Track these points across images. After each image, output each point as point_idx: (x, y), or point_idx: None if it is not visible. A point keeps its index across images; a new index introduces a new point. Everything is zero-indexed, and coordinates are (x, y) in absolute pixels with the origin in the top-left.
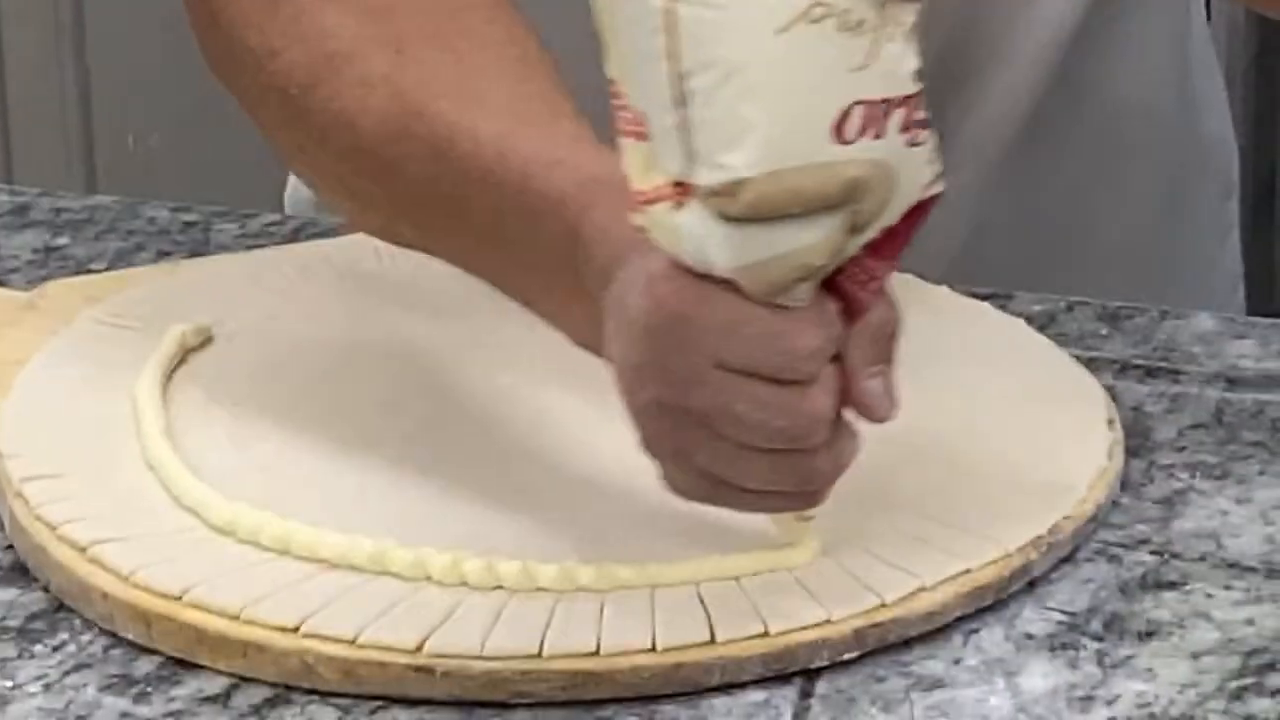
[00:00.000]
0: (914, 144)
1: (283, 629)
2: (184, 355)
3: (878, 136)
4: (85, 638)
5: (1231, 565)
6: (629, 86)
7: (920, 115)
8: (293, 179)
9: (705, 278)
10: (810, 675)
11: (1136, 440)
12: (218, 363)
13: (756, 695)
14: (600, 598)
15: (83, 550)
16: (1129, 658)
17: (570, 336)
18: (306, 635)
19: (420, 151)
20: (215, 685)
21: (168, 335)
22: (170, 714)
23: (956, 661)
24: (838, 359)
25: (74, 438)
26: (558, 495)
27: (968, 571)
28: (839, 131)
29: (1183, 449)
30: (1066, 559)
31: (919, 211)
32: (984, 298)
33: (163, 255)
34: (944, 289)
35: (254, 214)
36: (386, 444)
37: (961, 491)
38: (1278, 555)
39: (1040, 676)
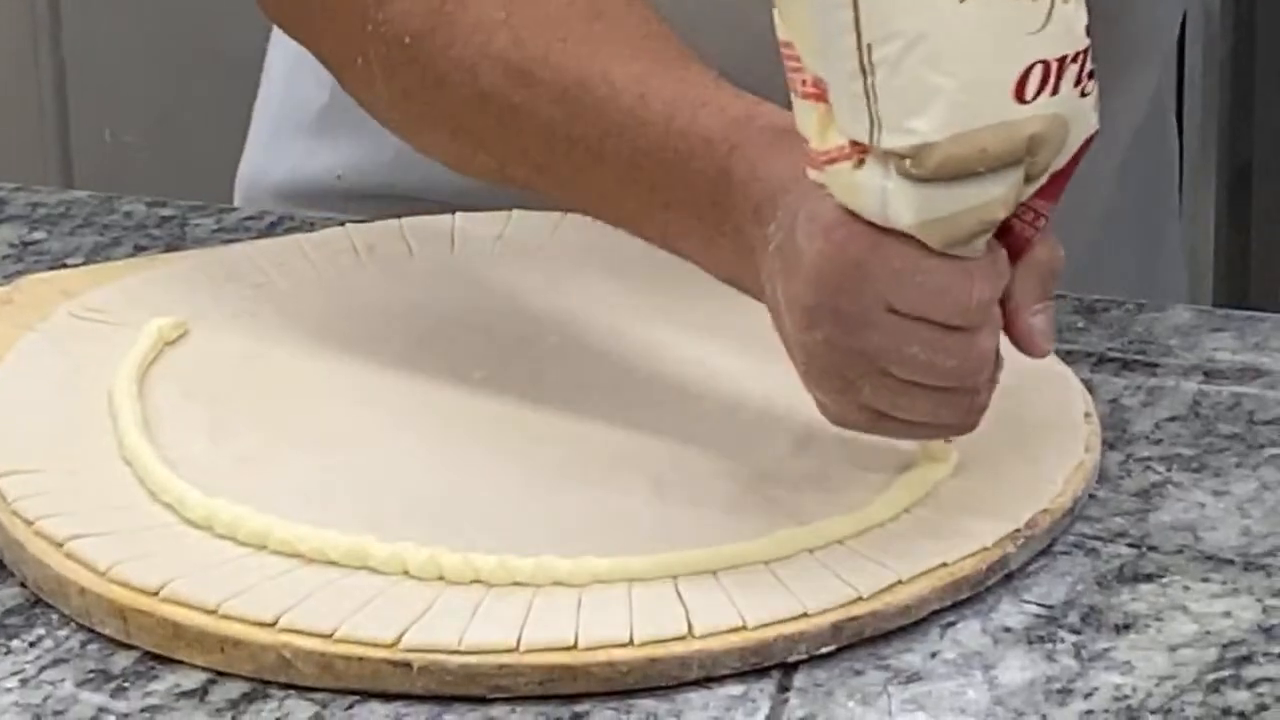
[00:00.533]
0: (1084, 94)
1: (260, 623)
2: (160, 350)
3: (1054, 93)
4: (62, 633)
5: (1208, 558)
6: (806, 51)
7: (1090, 67)
8: (242, 173)
9: (880, 226)
10: (788, 669)
11: (1113, 433)
12: (194, 357)
13: (734, 689)
14: (578, 592)
15: (59, 545)
16: (1106, 650)
17: (714, 272)
18: (284, 630)
19: (548, 96)
20: (193, 680)
21: (144, 330)
22: (147, 709)
23: (934, 655)
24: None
25: (50, 433)
26: (536, 489)
27: (945, 565)
28: (1020, 92)
29: (1159, 442)
30: (1044, 552)
31: (1082, 150)
32: None
33: (139, 250)
34: None
35: (230, 209)
36: (364, 438)
37: (939, 485)
38: (1254, 547)
39: (1017, 669)
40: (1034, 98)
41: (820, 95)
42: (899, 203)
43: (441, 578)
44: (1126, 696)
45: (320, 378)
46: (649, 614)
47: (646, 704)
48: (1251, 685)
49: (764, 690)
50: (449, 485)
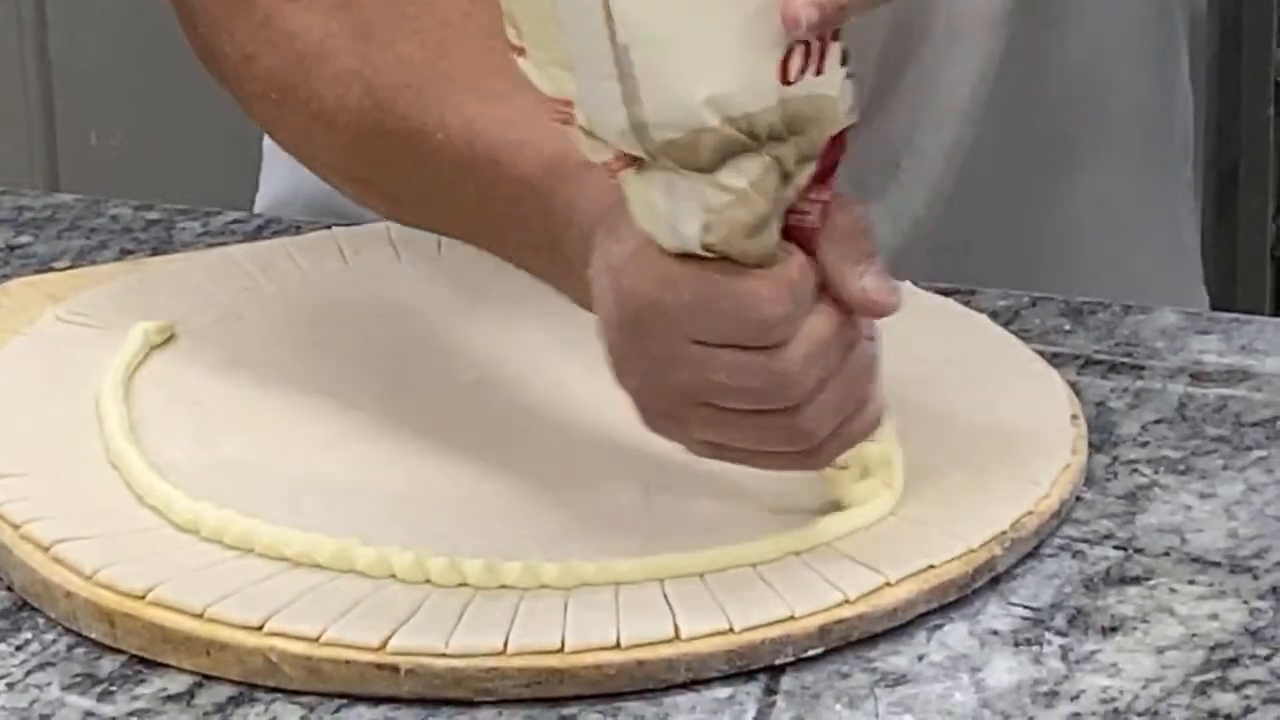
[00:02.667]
0: (849, 75)
1: (246, 627)
2: (147, 353)
3: (819, 72)
4: (49, 637)
5: (1195, 560)
6: (546, 65)
7: (848, 46)
8: (263, 183)
9: (669, 259)
10: (774, 671)
11: (1100, 436)
12: (181, 361)
13: (721, 692)
14: (565, 595)
15: (46, 549)
16: (1093, 653)
17: (581, 305)
18: (270, 633)
19: (397, 146)
20: (179, 684)
21: (131, 334)
22: (134, 713)
23: (921, 657)
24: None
25: (37, 436)
26: (523, 492)
27: (931, 567)
28: (784, 73)
29: (1146, 444)
30: (1030, 554)
31: (844, 136)
32: (947, 293)
33: (125, 253)
34: (907, 284)
35: (217, 212)
36: (350, 441)
37: (925, 487)
38: (1241, 550)
39: (1004, 672)
40: (798, 78)
41: (569, 117)
42: (684, 204)
43: (428, 581)
44: (1113, 699)
45: (307, 381)
46: (636, 617)
47: (633, 707)
48: (1238, 688)
49: (751, 693)
50: (437, 489)
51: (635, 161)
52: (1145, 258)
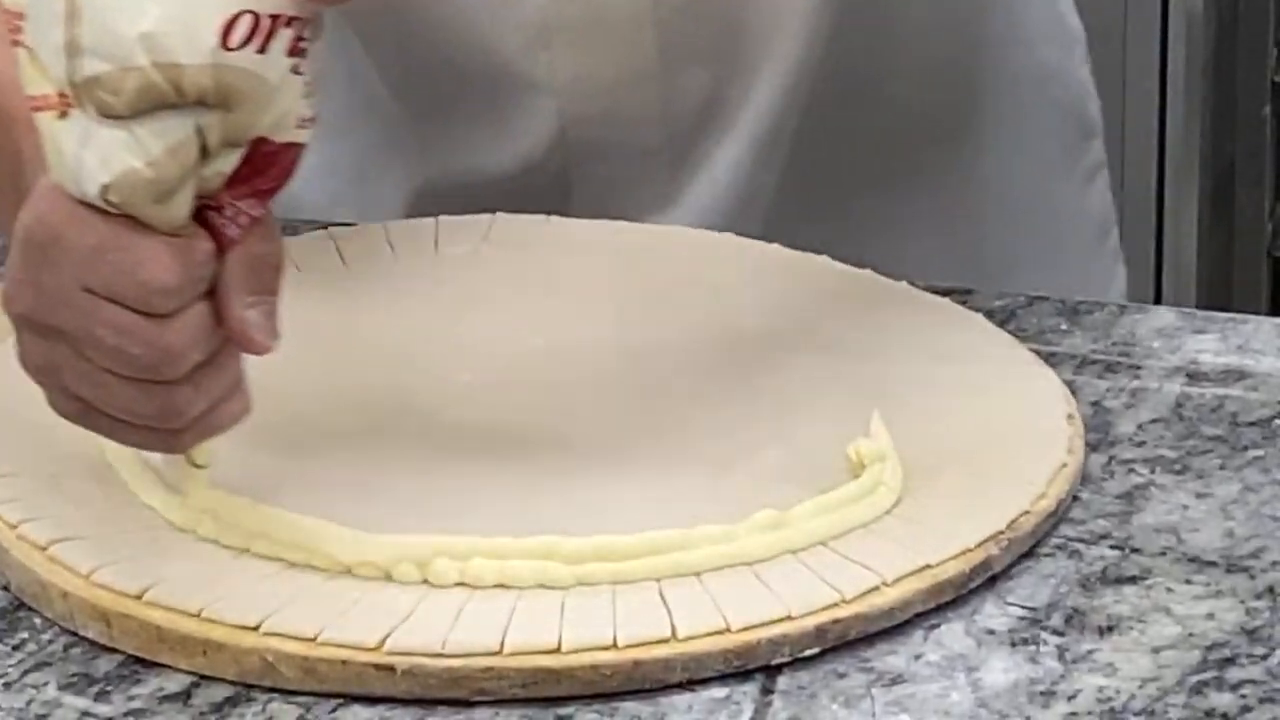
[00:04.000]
0: (296, 71)
1: (243, 627)
2: None
3: (262, 51)
4: (45, 636)
5: (1192, 560)
6: None
7: (305, 45)
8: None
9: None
10: (771, 671)
11: (1096, 435)
12: None
13: (718, 692)
14: (562, 595)
15: (42, 549)
16: (1090, 652)
17: None
18: (267, 633)
19: None
20: (176, 684)
21: None
22: (131, 713)
23: (917, 657)
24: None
25: (32, 436)
26: (519, 492)
27: (928, 567)
28: (226, 36)
29: (1143, 444)
30: (1027, 554)
31: (290, 152)
32: (943, 293)
33: None
34: (903, 284)
35: None
36: (347, 441)
37: (921, 487)
38: (1238, 549)
39: (1001, 672)
40: (239, 47)
41: (20, 40)
42: (93, 158)
43: (425, 581)
44: (1110, 699)
45: (304, 380)
46: (632, 617)
47: (630, 706)
48: (1235, 687)
49: (747, 693)
50: (432, 488)
51: (62, 105)
52: (1013, 242)
